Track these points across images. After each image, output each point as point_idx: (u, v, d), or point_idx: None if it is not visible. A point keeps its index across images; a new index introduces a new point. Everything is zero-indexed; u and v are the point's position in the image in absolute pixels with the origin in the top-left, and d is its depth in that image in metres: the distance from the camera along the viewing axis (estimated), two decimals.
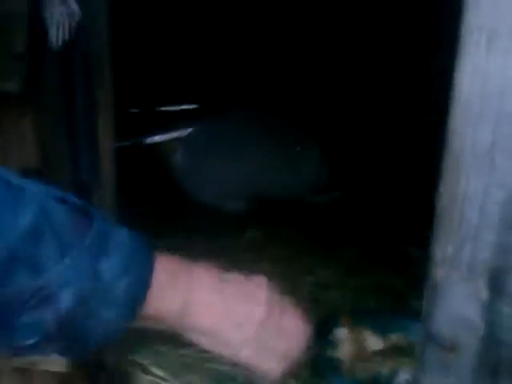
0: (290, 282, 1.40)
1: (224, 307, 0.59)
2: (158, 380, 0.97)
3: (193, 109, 2.90)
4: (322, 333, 1.09)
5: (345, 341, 1.10)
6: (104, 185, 0.98)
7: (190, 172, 2.14)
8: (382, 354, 1.09)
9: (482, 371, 0.47)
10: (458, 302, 0.47)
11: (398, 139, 2.34)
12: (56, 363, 0.90)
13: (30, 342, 0.48)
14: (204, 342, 0.60)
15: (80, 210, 0.51)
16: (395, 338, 1.15)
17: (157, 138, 2.70)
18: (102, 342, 0.52)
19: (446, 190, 0.47)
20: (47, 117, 0.94)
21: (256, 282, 0.63)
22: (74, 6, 0.81)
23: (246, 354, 0.60)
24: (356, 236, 1.72)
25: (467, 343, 0.47)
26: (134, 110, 2.81)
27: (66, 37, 0.84)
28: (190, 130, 2.35)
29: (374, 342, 1.12)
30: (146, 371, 0.98)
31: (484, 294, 0.46)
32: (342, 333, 1.11)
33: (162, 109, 2.91)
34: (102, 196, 0.99)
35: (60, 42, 0.83)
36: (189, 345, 1.01)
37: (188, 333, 0.59)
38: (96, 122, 0.95)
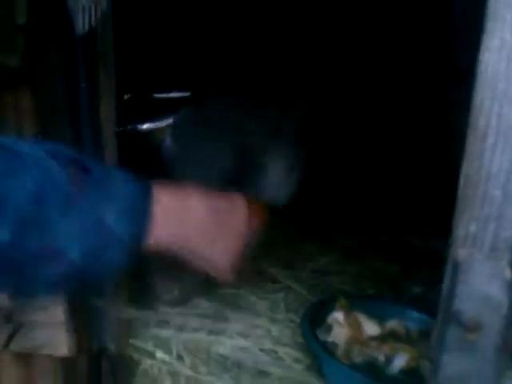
0: (290, 268, 1.40)
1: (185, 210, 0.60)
2: (162, 364, 0.97)
3: (186, 96, 2.88)
4: (318, 316, 1.10)
5: (341, 325, 1.10)
6: None
7: (179, 158, 2.12)
8: (378, 339, 1.10)
9: (504, 350, 0.47)
10: (480, 281, 0.47)
11: (396, 130, 2.34)
12: (58, 348, 0.88)
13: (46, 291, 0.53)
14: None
15: (75, 161, 0.52)
16: (392, 324, 1.15)
17: (149, 125, 2.68)
18: (112, 276, 0.59)
19: (469, 168, 0.47)
20: (48, 97, 0.92)
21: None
22: None
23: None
24: (355, 226, 1.72)
25: (490, 322, 0.47)
26: (126, 96, 2.78)
27: (93, 24, 0.82)
28: (177, 114, 2.33)
29: (370, 328, 1.12)
30: (149, 356, 0.97)
31: (507, 272, 0.46)
32: (338, 317, 1.11)
33: (155, 95, 2.89)
34: None
35: (85, 29, 0.82)
36: (193, 329, 1.02)
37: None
38: (98, 106, 0.93)
